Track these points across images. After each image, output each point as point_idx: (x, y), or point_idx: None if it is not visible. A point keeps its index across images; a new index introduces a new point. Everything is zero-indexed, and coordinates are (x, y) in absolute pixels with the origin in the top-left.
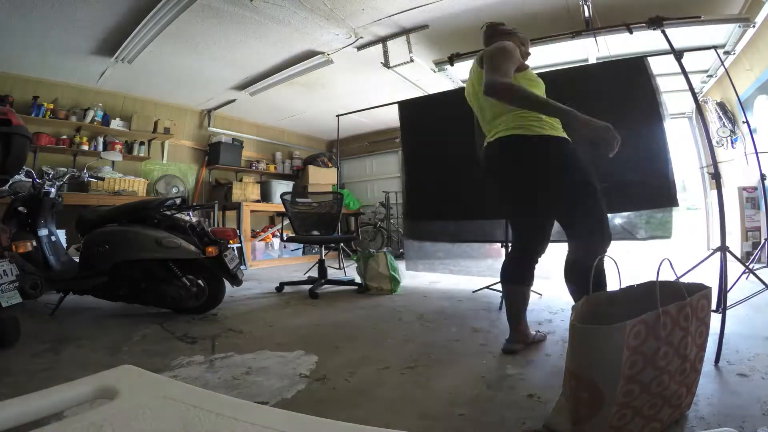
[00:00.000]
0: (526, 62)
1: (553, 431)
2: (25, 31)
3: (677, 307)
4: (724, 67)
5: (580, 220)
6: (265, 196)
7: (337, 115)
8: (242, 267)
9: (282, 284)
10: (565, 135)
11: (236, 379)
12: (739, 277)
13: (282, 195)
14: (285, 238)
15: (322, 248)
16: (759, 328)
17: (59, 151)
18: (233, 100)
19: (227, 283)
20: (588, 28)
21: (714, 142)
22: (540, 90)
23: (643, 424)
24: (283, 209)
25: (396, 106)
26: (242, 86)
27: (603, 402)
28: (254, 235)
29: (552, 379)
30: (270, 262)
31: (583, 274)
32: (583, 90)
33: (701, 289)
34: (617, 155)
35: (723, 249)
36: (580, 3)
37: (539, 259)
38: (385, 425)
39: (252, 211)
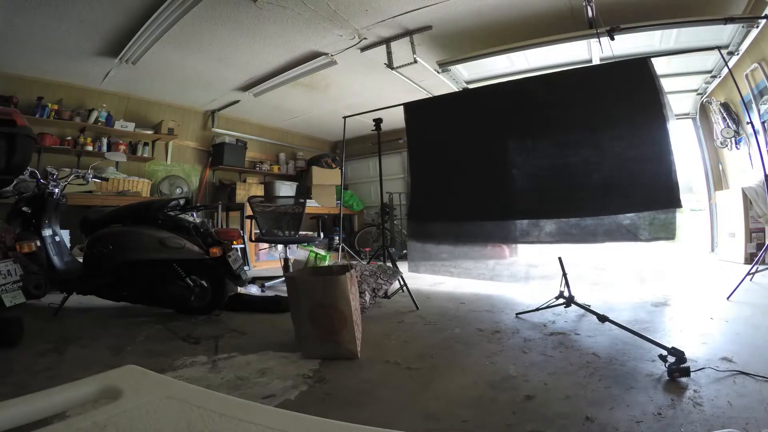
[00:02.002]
0: None
1: (307, 353)
2: (29, 32)
3: (350, 273)
4: (728, 67)
5: None
6: (269, 197)
7: (344, 117)
8: (246, 268)
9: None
10: None
11: (239, 380)
12: (743, 279)
13: (249, 198)
14: (253, 238)
15: (286, 248)
16: (764, 330)
17: (63, 151)
18: (237, 101)
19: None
20: (592, 27)
21: (718, 143)
22: None
23: (356, 329)
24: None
25: (399, 107)
26: (246, 87)
27: (347, 319)
28: None
29: (555, 381)
30: (274, 263)
31: None
32: (588, 91)
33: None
34: (620, 156)
35: None
36: (584, 3)
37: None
38: (387, 426)
39: None
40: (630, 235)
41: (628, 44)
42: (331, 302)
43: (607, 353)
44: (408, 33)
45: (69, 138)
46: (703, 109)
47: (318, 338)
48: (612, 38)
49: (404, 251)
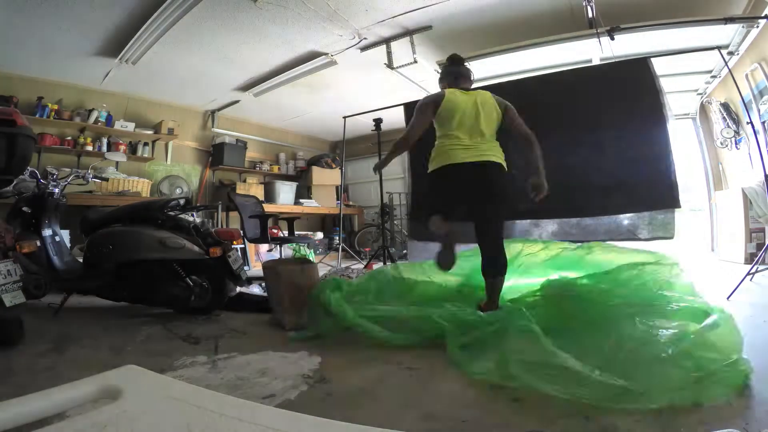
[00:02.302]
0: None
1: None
2: (29, 32)
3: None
4: (728, 67)
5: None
6: (269, 197)
7: (344, 117)
8: (246, 267)
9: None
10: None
11: (239, 380)
12: (743, 279)
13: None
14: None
15: (281, 247)
16: (764, 330)
17: (63, 151)
18: (237, 101)
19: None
20: (592, 27)
21: (718, 143)
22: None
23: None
24: (283, 210)
25: (399, 107)
26: (246, 87)
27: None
28: None
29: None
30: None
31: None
32: (587, 91)
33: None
34: (619, 156)
35: None
36: (584, 3)
37: None
38: (388, 426)
39: None
40: (629, 234)
41: (628, 44)
42: (306, 282)
43: None
44: (408, 33)
45: (69, 138)
46: (703, 109)
47: (295, 310)
48: (612, 38)
49: (404, 251)
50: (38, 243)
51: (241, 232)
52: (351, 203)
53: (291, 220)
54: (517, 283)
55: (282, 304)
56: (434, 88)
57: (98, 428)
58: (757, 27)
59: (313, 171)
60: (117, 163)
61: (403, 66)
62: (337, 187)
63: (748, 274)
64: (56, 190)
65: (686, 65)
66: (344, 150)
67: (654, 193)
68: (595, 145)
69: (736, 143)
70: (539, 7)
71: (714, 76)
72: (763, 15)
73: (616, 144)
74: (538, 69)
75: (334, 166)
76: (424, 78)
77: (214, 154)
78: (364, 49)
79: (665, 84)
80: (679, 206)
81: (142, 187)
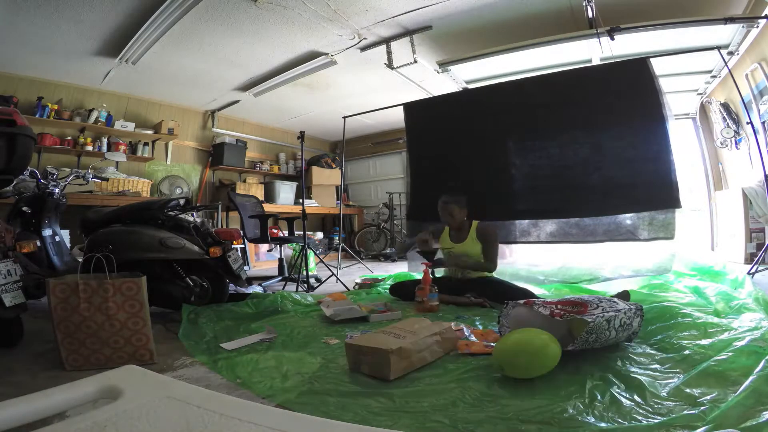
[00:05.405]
0: None
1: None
2: (29, 32)
3: (98, 281)
4: (728, 67)
5: None
6: (269, 197)
7: (344, 117)
8: (246, 268)
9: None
10: None
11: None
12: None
13: None
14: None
15: (281, 247)
16: None
17: (63, 151)
18: (237, 101)
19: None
20: (592, 27)
21: (718, 143)
22: None
23: (89, 353)
24: (283, 210)
25: (399, 107)
26: (246, 87)
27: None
28: None
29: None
30: (273, 263)
31: None
32: (587, 91)
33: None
34: (619, 156)
35: None
36: (584, 3)
37: None
38: (387, 426)
39: None
40: (629, 234)
41: (628, 44)
42: None
43: None
44: (408, 33)
45: (69, 138)
46: (703, 109)
47: None
48: (612, 38)
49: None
50: (38, 243)
51: (241, 232)
52: (351, 203)
53: (291, 220)
54: None
55: None
56: (434, 87)
57: (98, 428)
58: (757, 27)
59: (313, 171)
60: (117, 163)
61: (403, 66)
62: (337, 187)
63: (748, 274)
64: (56, 190)
65: (686, 65)
66: (344, 150)
67: (654, 192)
68: (594, 145)
69: (736, 143)
70: (539, 7)
71: (714, 76)
72: (763, 15)
73: (615, 144)
74: (538, 69)
75: (334, 166)
76: (424, 78)
77: (214, 154)
78: (364, 49)
79: (665, 84)
80: (680, 206)
81: (142, 187)
